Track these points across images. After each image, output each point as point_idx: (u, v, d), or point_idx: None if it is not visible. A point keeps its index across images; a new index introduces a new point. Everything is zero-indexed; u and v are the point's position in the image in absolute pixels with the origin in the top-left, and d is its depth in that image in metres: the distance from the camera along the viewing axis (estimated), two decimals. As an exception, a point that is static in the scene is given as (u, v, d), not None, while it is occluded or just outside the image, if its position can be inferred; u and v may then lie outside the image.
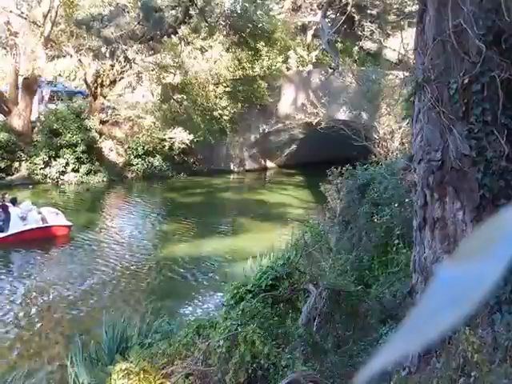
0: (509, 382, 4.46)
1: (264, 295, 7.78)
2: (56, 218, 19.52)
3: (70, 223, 19.77)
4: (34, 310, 13.53)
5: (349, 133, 19.61)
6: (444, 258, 5.64)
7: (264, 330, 6.94)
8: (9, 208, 18.77)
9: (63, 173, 28.19)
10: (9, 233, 18.28)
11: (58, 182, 28.02)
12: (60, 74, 36.61)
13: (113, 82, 31.49)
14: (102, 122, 30.51)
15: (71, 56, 30.77)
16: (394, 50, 22.11)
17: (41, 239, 18.42)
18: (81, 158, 28.36)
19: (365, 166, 12.17)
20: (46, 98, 30.07)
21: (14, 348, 11.64)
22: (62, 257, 17.97)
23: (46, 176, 27.95)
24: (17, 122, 28.63)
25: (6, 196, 19.81)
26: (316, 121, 24.15)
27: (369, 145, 19.15)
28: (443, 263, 0.55)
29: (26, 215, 18.87)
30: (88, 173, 28.63)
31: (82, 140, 28.19)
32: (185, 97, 30.64)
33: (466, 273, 0.52)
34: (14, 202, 19.41)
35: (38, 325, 12.72)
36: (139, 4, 19.91)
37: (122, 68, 30.42)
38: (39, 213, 19.25)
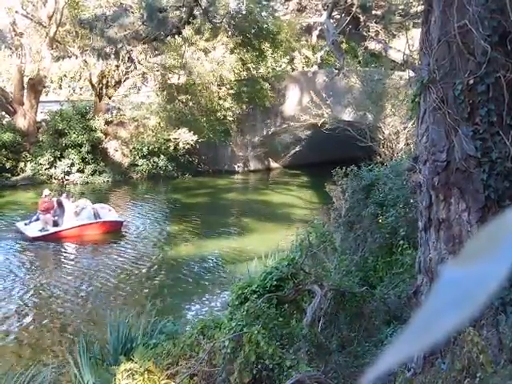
0: (514, 383, 4.45)
1: (269, 296, 7.78)
2: (108, 214, 20.22)
3: (122, 219, 20.59)
4: (35, 310, 13.58)
5: (354, 133, 19.59)
6: (449, 258, 5.63)
7: (269, 331, 6.94)
8: (64, 203, 19.48)
9: (68, 173, 28.24)
10: (63, 227, 19.07)
11: (63, 182, 28.07)
12: (65, 75, 36.76)
13: (118, 83, 31.56)
14: (107, 123, 30.55)
15: (76, 57, 30.86)
16: (399, 50, 22.07)
17: (93, 234, 19.21)
18: (86, 158, 28.42)
19: (370, 167, 12.15)
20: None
21: (18, 347, 11.69)
22: (67, 255, 18.15)
23: (51, 176, 28.01)
24: (22, 123, 28.70)
25: (63, 192, 20.99)
26: (321, 122, 24.12)
27: (374, 145, 19.14)
28: (448, 264, 0.55)
29: (80, 211, 19.54)
30: (93, 173, 28.69)
31: (87, 140, 28.26)
32: (189, 97, 30.65)
33: (471, 274, 0.52)
34: (68, 197, 20.21)
35: (42, 324, 12.76)
36: (143, 4, 19.89)
37: (126, 68, 30.48)
38: (93, 209, 19.86)
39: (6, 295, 14.45)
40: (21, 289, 14.98)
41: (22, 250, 18.20)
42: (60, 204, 19.44)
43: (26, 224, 19.33)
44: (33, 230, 18.86)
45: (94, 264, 17.14)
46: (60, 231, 19.01)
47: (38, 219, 19.26)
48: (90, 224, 19.45)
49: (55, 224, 19.15)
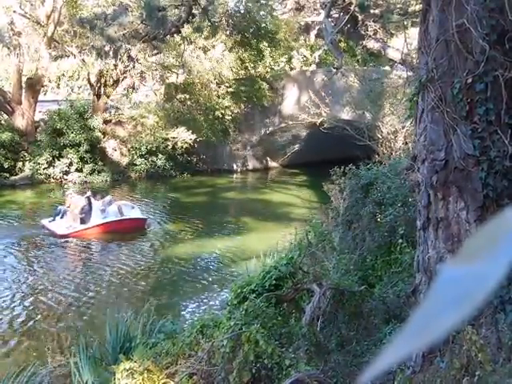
0: (512, 381, 4.46)
1: (267, 295, 7.78)
2: (132, 212, 20.48)
3: (145, 217, 20.89)
4: (36, 308, 13.57)
5: (352, 132, 19.58)
6: (448, 257, 5.63)
7: (267, 330, 6.94)
8: (91, 201, 19.78)
9: (67, 173, 28.23)
10: (89, 225, 19.36)
11: (61, 181, 28.05)
12: (63, 74, 36.69)
13: (116, 82, 31.52)
14: (106, 122, 30.51)
15: (74, 56, 30.79)
16: (398, 49, 22.08)
17: (118, 231, 19.37)
18: (84, 157, 28.39)
19: (368, 166, 12.14)
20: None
21: (17, 345, 11.68)
22: (76, 253, 18.24)
23: (49, 176, 27.99)
24: (20, 122, 28.67)
25: (88, 191, 21.17)
26: (319, 121, 24.11)
27: (372, 144, 19.13)
28: (446, 262, 0.55)
29: (106, 208, 19.83)
30: (91, 172, 28.67)
31: (85, 140, 28.22)
32: (188, 96, 30.65)
33: (470, 272, 0.52)
34: (94, 194, 20.51)
35: (42, 323, 12.75)
36: (142, 3, 19.90)
37: (125, 67, 30.43)
38: (117, 206, 20.11)
39: (10, 292, 14.50)
40: (26, 286, 15.06)
41: (43, 248, 18.43)
42: (88, 202, 19.70)
43: (49, 221, 19.58)
44: (60, 227, 19.14)
45: (99, 263, 17.20)
46: (86, 228, 19.24)
47: (63, 216, 19.55)
48: (116, 221, 19.71)
49: (82, 221, 19.38)
